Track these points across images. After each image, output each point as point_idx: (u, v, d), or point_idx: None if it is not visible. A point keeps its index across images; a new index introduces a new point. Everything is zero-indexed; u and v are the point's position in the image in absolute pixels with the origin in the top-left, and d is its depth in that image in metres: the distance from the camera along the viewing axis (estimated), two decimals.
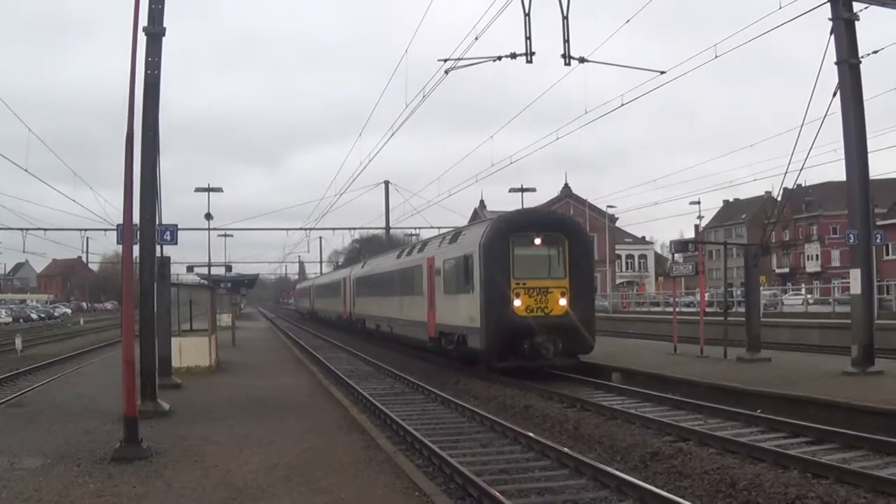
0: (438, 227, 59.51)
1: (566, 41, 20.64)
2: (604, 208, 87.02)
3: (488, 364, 25.88)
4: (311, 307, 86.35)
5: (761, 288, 32.34)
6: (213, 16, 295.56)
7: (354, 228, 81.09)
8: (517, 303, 24.94)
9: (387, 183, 71.70)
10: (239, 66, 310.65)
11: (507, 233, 25.70)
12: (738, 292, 43.14)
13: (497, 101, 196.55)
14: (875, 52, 21.83)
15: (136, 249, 17.20)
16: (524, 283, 25.12)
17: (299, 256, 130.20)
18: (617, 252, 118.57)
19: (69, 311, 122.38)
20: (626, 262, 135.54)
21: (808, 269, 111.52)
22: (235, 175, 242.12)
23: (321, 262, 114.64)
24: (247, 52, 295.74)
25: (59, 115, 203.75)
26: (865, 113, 21.55)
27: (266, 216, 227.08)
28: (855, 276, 21.76)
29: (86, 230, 66.09)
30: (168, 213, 20.07)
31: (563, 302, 25.16)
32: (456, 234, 31.29)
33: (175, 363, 23.37)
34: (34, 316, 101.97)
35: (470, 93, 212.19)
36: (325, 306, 73.13)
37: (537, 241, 25.67)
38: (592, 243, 30.56)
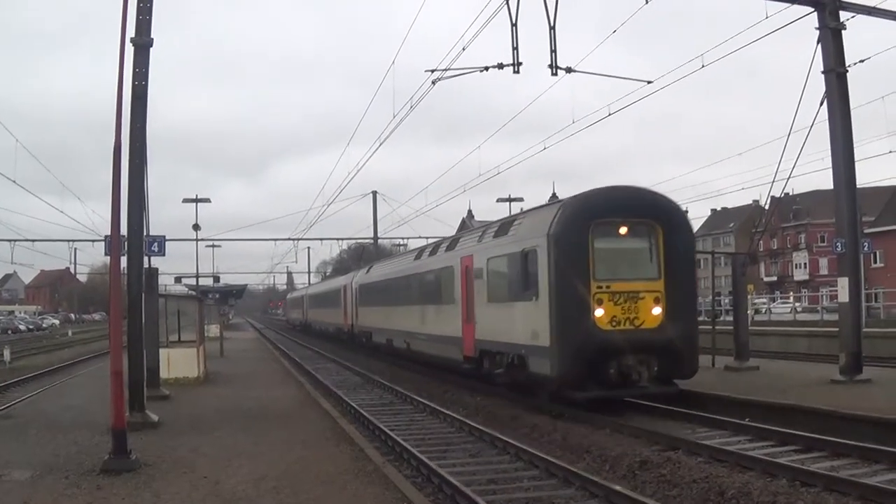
0: (426, 238, 59.56)
1: (553, 51, 20.70)
2: None
3: (559, 394, 19.97)
4: (304, 318, 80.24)
5: (750, 296, 32.41)
6: (194, 29, 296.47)
7: (342, 239, 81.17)
8: (599, 312, 19.03)
9: (374, 193, 71.84)
10: (220, 80, 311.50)
11: (585, 219, 19.47)
12: (727, 301, 43.25)
13: (484, 113, 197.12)
14: (862, 61, 21.94)
15: (123, 260, 17.18)
16: (608, 287, 19.20)
17: (287, 267, 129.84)
18: None
19: (57, 322, 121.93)
20: None
21: (797, 278, 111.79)
22: (220, 187, 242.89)
23: (309, 272, 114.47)
24: (228, 66, 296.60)
25: (46, 127, 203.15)
26: (852, 121, 21.66)
27: (253, 227, 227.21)
28: (843, 284, 21.85)
29: (74, 241, 65.95)
30: (155, 223, 20.04)
31: (657, 311, 19.36)
32: (505, 224, 24.10)
33: (163, 374, 23.31)
34: (22, 327, 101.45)
35: (457, 104, 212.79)
36: (321, 317, 66.54)
37: (623, 229, 19.85)
38: (693, 232, 23.81)
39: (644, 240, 19.88)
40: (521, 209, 37.98)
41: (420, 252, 34.95)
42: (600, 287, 19.03)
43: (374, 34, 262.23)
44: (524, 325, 20.77)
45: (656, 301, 19.34)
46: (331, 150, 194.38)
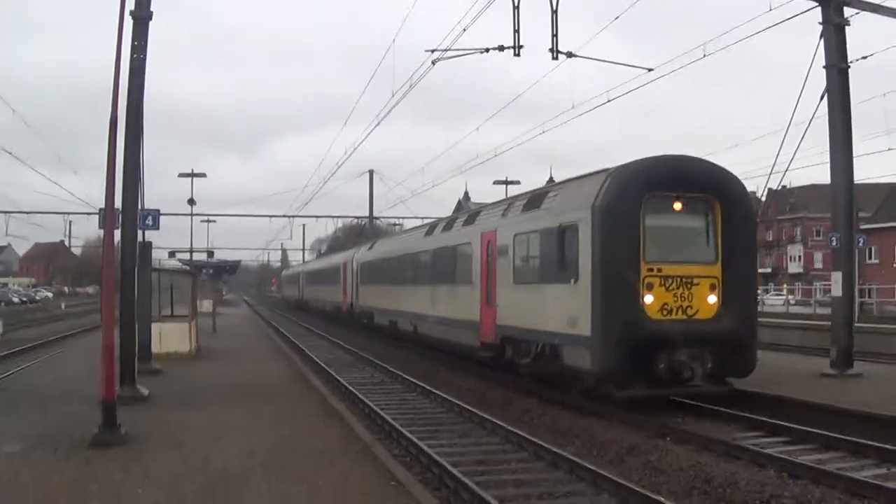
0: (422, 218, 59.56)
1: (554, 35, 20.67)
2: None
3: (599, 390, 17.57)
4: (300, 296, 77.79)
5: None
6: (187, 2, 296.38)
7: (338, 217, 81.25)
8: (649, 299, 16.99)
9: (371, 172, 71.81)
10: (216, 58, 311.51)
11: (638, 191, 17.19)
12: None
13: (481, 96, 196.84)
14: (864, 57, 21.86)
15: (117, 234, 17.16)
16: (659, 270, 17.13)
17: (282, 244, 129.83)
18: None
19: (51, 295, 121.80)
20: None
21: (791, 270, 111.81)
22: (215, 162, 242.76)
23: (304, 249, 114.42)
24: (224, 44, 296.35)
25: (41, 99, 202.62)
26: (852, 117, 21.63)
27: (247, 203, 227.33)
28: (836, 279, 21.88)
29: (69, 213, 65.91)
30: (149, 198, 20.04)
31: (712, 299, 17.32)
32: (537, 196, 21.42)
33: (155, 349, 23.29)
34: (15, 300, 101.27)
35: (456, 86, 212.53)
36: (318, 295, 64.84)
37: (678, 205, 17.62)
38: (755, 210, 21.52)
39: (700, 217, 17.76)
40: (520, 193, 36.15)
41: (432, 227, 32.15)
42: (651, 270, 16.98)
43: (372, 14, 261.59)
44: (559, 310, 18.51)
45: (712, 288, 17.34)
46: (326, 129, 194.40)
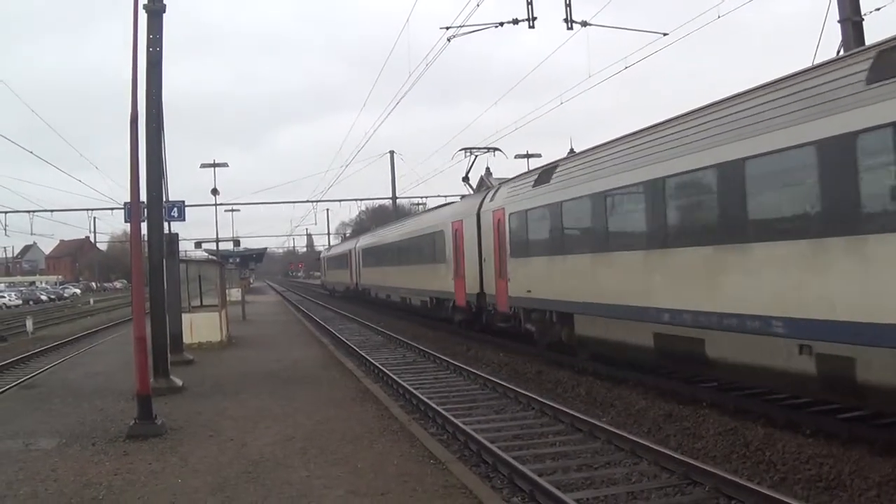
0: (445, 196, 59.35)
1: (568, 5, 20.54)
2: None
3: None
4: (355, 281, 59.31)
5: None
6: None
7: (361, 199, 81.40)
8: None
9: (392, 153, 71.78)
10: (208, 52, 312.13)
11: None
12: None
13: (500, 71, 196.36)
14: (877, 9, 21.65)
15: (143, 227, 17.20)
16: None
17: (307, 229, 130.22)
18: None
19: (79, 291, 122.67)
20: None
21: None
22: (229, 155, 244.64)
23: (329, 233, 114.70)
24: (223, 38, 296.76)
25: (61, 98, 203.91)
26: None
27: (269, 191, 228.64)
28: None
29: (93, 210, 66.23)
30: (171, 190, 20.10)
31: None
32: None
33: (186, 339, 23.46)
34: (44, 297, 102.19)
35: (470, 63, 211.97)
36: (388, 281, 45.15)
37: None
38: None
39: None
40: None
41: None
42: None
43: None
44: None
45: None
46: (342, 115, 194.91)
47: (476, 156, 31.33)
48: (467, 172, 31.79)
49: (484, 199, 26.86)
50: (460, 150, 31.47)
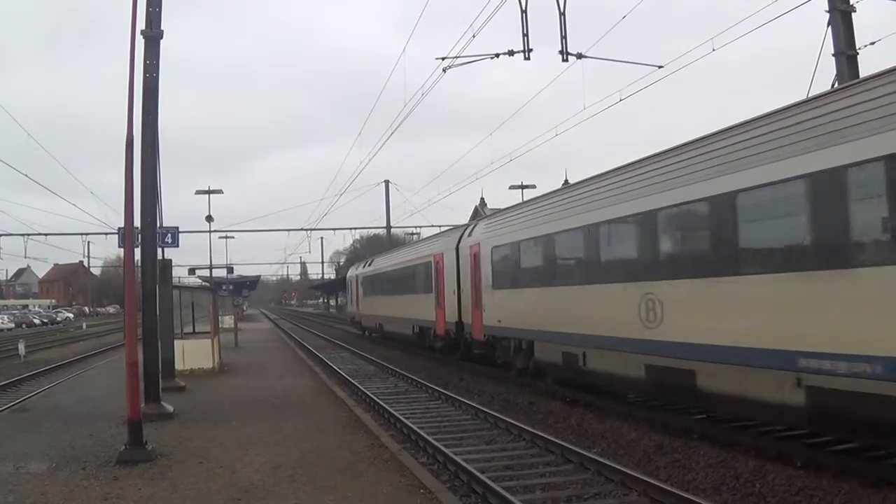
0: (439, 226, 59.55)
1: (563, 37, 20.63)
2: None
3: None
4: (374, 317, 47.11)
5: None
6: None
7: (355, 228, 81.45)
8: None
9: (387, 182, 71.94)
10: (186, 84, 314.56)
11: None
12: None
13: (495, 102, 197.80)
14: (872, 43, 21.79)
15: (137, 252, 17.22)
16: None
17: (301, 257, 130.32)
18: None
19: (72, 315, 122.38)
20: None
21: None
22: (197, 185, 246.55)
23: (322, 262, 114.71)
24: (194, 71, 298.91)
25: (54, 122, 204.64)
26: None
27: (262, 219, 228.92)
28: None
29: (87, 234, 66.22)
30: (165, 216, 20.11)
31: None
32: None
33: (178, 365, 23.36)
34: (37, 321, 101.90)
35: (468, 95, 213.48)
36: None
37: None
38: None
39: None
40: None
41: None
42: None
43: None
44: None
45: None
46: (338, 143, 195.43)
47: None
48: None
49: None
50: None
